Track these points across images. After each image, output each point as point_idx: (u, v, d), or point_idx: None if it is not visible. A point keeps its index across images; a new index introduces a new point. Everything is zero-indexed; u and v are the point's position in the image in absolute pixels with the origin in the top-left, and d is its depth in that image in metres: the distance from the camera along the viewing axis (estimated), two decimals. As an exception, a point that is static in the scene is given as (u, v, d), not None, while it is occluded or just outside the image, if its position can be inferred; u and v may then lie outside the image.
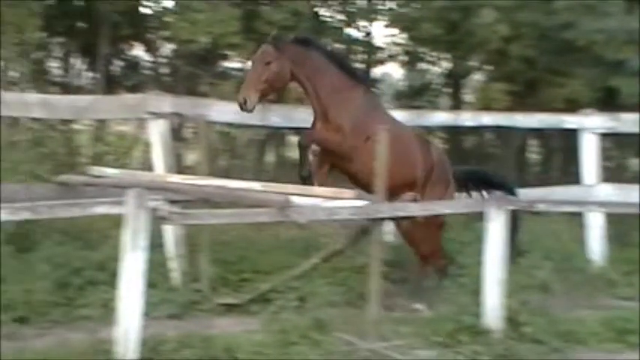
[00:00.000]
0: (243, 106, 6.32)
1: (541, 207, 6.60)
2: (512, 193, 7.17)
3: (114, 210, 5.32)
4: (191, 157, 12.43)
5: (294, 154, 14.43)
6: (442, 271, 6.97)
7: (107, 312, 5.70)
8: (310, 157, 6.52)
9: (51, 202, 5.46)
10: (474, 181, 7.41)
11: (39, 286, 6.17)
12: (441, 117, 9.21)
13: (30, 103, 7.21)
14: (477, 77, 13.57)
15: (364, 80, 7.12)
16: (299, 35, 7.00)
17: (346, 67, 6.90)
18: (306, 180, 6.40)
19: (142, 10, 12.11)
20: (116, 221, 5.58)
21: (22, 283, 6.16)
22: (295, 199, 5.66)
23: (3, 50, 10.70)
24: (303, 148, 6.50)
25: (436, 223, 6.92)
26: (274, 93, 6.88)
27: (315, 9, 12.66)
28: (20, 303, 5.98)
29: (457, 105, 13.25)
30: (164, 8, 11.52)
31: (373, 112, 6.73)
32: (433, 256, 7.07)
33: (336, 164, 6.72)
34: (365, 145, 6.41)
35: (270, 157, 13.74)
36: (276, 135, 12.81)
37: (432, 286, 6.92)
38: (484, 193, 7.30)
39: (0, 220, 5.17)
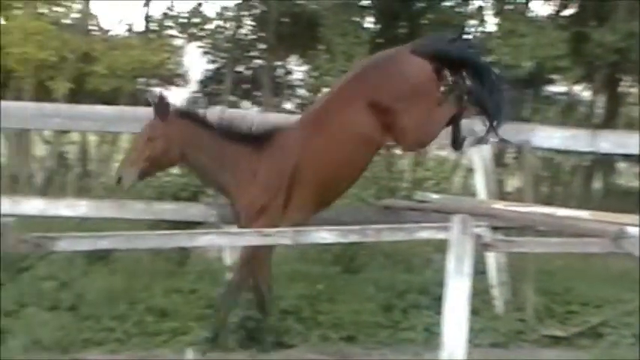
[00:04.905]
0: (117, 184, 5.46)
1: None
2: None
3: (438, 235, 5.31)
4: (512, 183, 12.26)
5: (624, 180, 13.75)
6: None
7: (430, 336, 5.73)
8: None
9: (378, 226, 5.60)
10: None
11: (366, 308, 6.37)
12: None
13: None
14: None
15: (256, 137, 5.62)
16: (186, 106, 5.94)
17: (236, 132, 5.61)
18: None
19: (465, 36, 12.20)
20: (436, 246, 5.58)
21: (349, 303, 6.40)
22: (630, 230, 5.27)
23: (334, 78, 11.37)
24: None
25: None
26: (161, 170, 5.88)
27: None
28: (348, 323, 6.20)
29: None
30: (488, 33, 11.52)
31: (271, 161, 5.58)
32: None
33: None
34: None
35: (597, 185, 13.13)
36: (604, 162, 12.21)
37: None
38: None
39: (330, 242, 5.42)
